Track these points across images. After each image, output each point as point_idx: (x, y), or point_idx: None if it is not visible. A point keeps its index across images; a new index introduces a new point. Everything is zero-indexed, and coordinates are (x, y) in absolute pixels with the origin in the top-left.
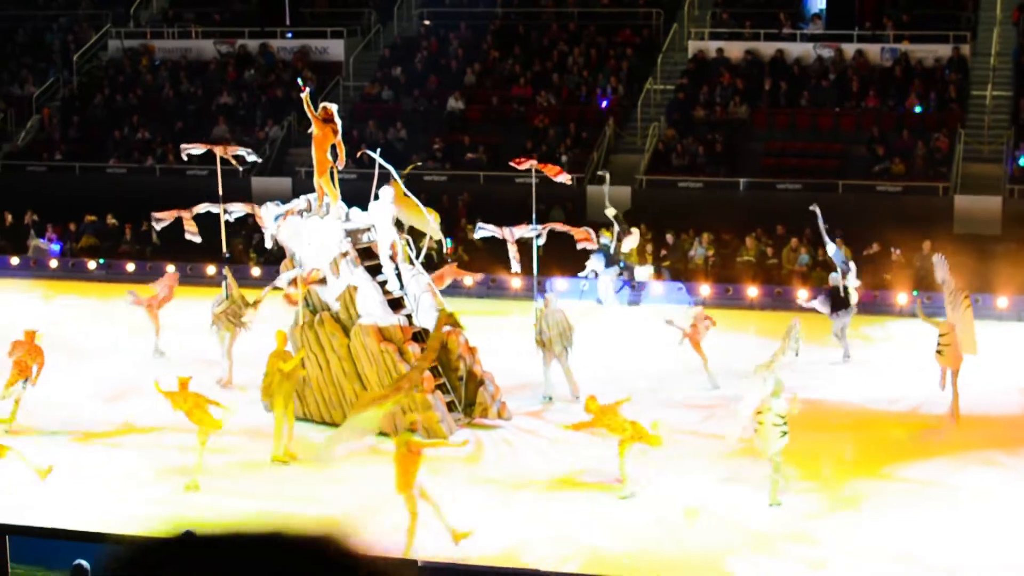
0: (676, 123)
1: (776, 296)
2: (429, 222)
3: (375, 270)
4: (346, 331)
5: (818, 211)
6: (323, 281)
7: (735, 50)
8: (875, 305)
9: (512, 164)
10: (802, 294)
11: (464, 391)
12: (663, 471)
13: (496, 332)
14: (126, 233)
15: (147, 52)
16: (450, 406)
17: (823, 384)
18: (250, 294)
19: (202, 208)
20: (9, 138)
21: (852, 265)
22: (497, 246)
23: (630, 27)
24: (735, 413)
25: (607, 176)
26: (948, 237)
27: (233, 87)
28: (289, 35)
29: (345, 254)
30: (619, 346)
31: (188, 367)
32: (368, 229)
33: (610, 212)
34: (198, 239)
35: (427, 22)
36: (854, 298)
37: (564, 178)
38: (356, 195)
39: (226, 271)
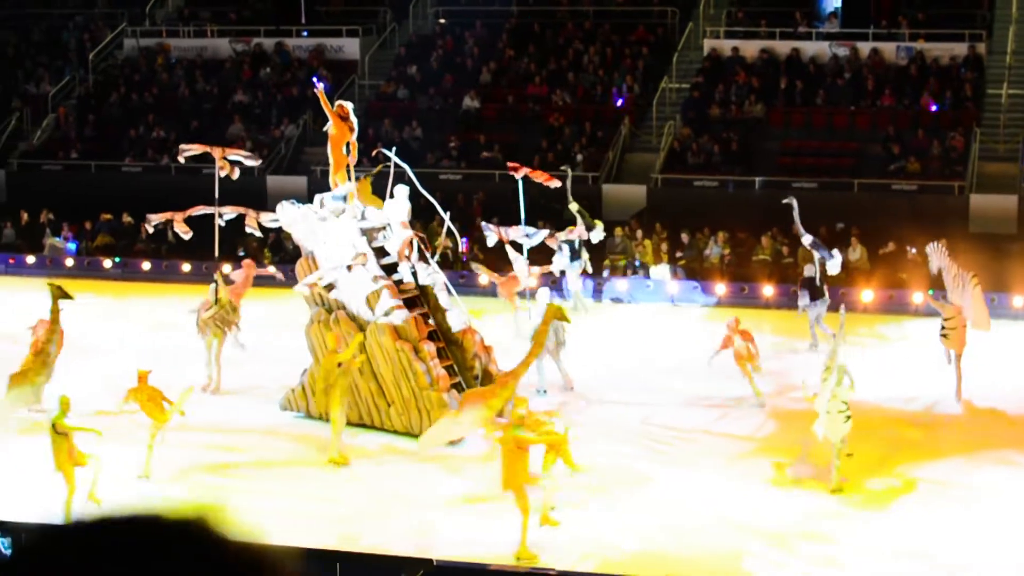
0: (691, 122)
1: (792, 295)
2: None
3: (390, 269)
4: (361, 330)
5: (794, 203)
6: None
7: (750, 49)
8: (891, 304)
9: (509, 170)
10: None
11: None
12: (678, 470)
13: (512, 332)
14: (142, 231)
15: (163, 51)
16: None
17: None
18: (265, 293)
19: (197, 211)
20: (25, 137)
21: (836, 253)
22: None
23: (645, 26)
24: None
25: (569, 171)
26: (964, 236)
27: (248, 86)
28: (305, 34)
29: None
30: (632, 344)
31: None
32: (384, 228)
33: (573, 207)
34: (187, 236)
35: (442, 20)
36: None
37: (555, 184)
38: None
39: (217, 275)
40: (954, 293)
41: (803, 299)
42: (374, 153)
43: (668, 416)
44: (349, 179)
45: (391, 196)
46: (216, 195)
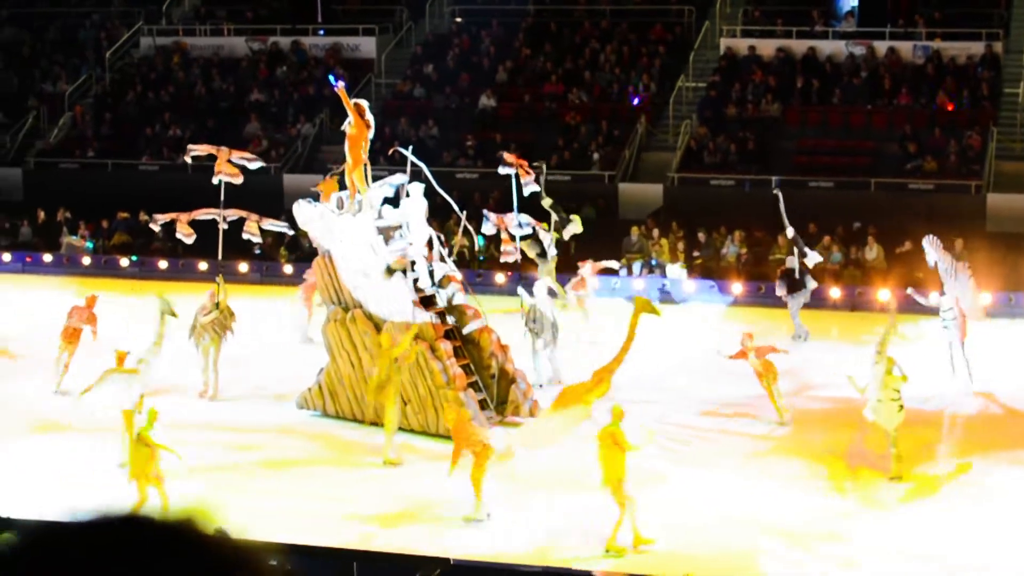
0: (708, 121)
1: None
2: None
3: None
4: (378, 329)
5: (780, 195)
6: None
7: (767, 47)
8: (908, 303)
9: (508, 158)
10: (834, 292)
11: (496, 389)
12: (695, 470)
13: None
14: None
15: (179, 49)
16: (482, 404)
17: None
18: (282, 291)
19: (202, 214)
20: (42, 135)
21: (814, 253)
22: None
23: (662, 24)
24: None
25: (544, 167)
26: (981, 235)
27: (265, 84)
28: (321, 32)
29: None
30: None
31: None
32: (400, 226)
33: (546, 203)
34: (190, 240)
35: (459, 19)
36: (811, 284)
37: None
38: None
39: (219, 279)
40: (949, 284)
41: (780, 289)
42: (390, 152)
43: (684, 415)
44: (366, 179)
45: (407, 195)
46: (222, 197)
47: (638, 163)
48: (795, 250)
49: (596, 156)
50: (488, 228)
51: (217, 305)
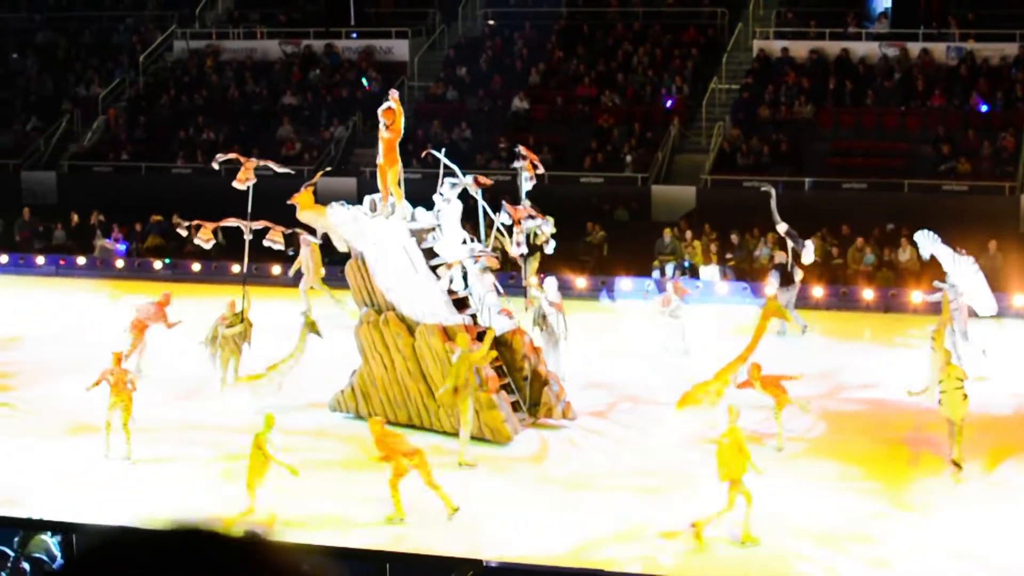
0: (741, 123)
1: (841, 296)
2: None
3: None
4: (411, 331)
5: (772, 192)
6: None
7: (800, 49)
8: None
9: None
10: (867, 294)
11: (529, 391)
12: None
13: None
14: (192, 233)
15: (212, 53)
16: (515, 406)
17: (885, 384)
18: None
19: (227, 223)
20: (75, 139)
21: (808, 244)
22: (562, 245)
23: (695, 26)
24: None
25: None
26: (1014, 236)
27: (298, 87)
28: (354, 35)
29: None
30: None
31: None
32: (433, 229)
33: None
34: (208, 246)
35: (491, 22)
36: (798, 275)
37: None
38: (421, 195)
39: (245, 289)
40: (955, 276)
41: (771, 285)
42: (423, 155)
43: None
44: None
45: (441, 197)
46: (249, 203)
47: (671, 165)
48: (788, 245)
49: (629, 158)
50: (504, 218)
51: (241, 318)
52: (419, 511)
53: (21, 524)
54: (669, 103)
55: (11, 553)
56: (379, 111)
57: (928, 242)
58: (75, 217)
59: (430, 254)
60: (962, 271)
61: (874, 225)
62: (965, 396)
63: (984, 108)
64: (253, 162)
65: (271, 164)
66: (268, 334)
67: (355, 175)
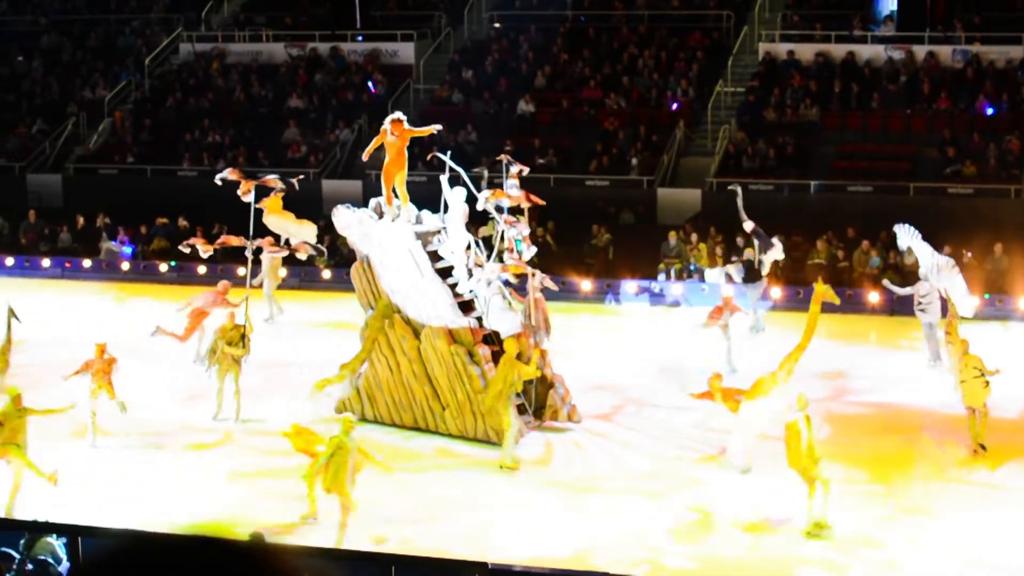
0: (746, 126)
1: (847, 299)
2: (306, 232)
3: (445, 272)
4: (416, 333)
5: (739, 191)
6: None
7: (806, 52)
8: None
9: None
10: (873, 296)
11: (534, 394)
12: (731, 474)
13: (566, 334)
14: (197, 236)
15: (218, 55)
16: (520, 409)
17: (894, 388)
18: (320, 296)
19: (231, 242)
20: (81, 141)
21: (776, 242)
22: (568, 248)
23: (700, 30)
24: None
25: (506, 161)
26: (1020, 239)
27: (304, 90)
28: (360, 38)
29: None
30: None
31: (266, 368)
32: (439, 232)
33: (490, 205)
34: (206, 254)
35: (497, 25)
36: (765, 269)
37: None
38: (426, 198)
39: (244, 303)
40: (933, 277)
41: (737, 278)
42: (428, 157)
43: (721, 419)
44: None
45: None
46: (251, 217)
47: (676, 168)
48: (755, 243)
49: (634, 161)
50: (513, 232)
51: (243, 338)
52: (423, 515)
53: (26, 526)
54: (675, 106)
55: (16, 555)
56: (389, 119)
57: (907, 235)
58: (81, 220)
59: (435, 257)
60: (939, 269)
61: (880, 228)
62: (987, 384)
63: (990, 111)
64: (252, 183)
65: (268, 182)
66: (263, 336)
67: (360, 178)
